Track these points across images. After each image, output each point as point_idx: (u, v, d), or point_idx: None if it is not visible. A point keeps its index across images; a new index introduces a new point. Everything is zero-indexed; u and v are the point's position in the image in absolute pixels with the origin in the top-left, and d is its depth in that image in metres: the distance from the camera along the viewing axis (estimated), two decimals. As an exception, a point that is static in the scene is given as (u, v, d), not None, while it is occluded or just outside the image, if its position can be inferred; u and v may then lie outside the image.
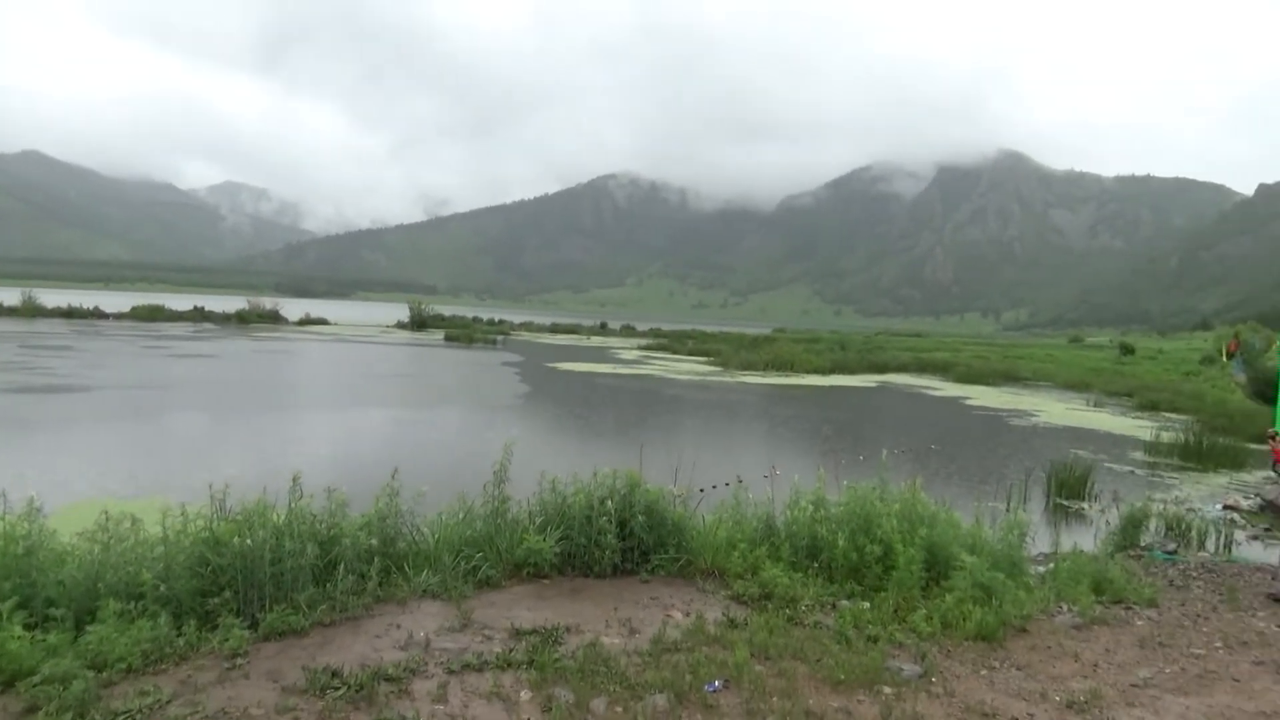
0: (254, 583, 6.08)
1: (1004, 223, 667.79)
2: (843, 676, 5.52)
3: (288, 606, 6.03)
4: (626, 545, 7.80)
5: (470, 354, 52.42)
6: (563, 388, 34.00)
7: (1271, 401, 13.08)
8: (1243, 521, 13.61)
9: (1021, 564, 8.28)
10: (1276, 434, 9.23)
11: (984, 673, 5.97)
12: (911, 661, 5.96)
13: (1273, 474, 9.13)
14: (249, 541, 6.08)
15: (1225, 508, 14.69)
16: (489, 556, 7.42)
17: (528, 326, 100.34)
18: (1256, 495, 14.33)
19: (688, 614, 6.74)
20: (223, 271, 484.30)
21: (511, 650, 5.74)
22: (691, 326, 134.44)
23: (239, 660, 5.37)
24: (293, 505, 6.70)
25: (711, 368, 48.61)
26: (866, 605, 7.04)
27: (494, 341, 66.75)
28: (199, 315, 74.39)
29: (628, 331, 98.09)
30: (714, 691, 5.22)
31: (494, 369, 41.58)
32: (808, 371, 48.01)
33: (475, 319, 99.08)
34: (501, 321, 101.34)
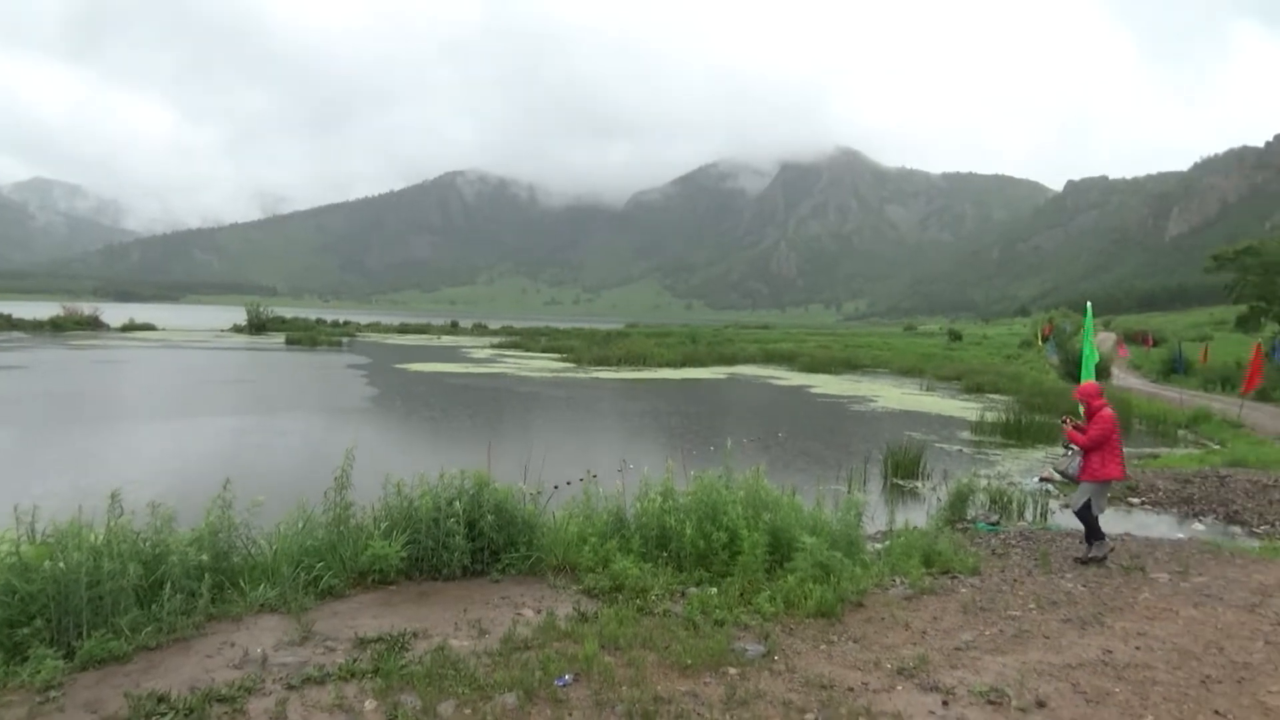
0: (69, 609, 5.65)
1: (843, 217, 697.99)
2: (690, 661, 5.66)
3: (107, 632, 5.63)
4: (476, 546, 7.71)
5: (314, 357, 50.40)
6: (412, 389, 33.19)
7: (1079, 380, 14.29)
8: (1056, 492, 14.79)
9: (858, 542, 8.72)
10: (1067, 419, 10.12)
11: (823, 647, 6.25)
12: (756, 641, 6.17)
13: (1063, 449, 10.02)
14: (62, 565, 5.65)
15: (1041, 480, 15.92)
16: (331, 565, 7.17)
17: (375, 327, 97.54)
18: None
19: (539, 611, 6.74)
20: (34, 275, 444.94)
21: (355, 660, 5.57)
22: (544, 324, 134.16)
23: (53, 693, 4.98)
24: (111, 524, 6.27)
25: (565, 364, 48.64)
26: (714, 590, 7.24)
27: (339, 344, 64.46)
28: (6, 323, 68.34)
29: (480, 330, 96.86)
30: (564, 686, 5.24)
31: (339, 372, 40.16)
32: (660, 365, 48.81)
33: (319, 321, 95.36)
34: (347, 323, 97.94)
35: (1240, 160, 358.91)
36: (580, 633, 6.13)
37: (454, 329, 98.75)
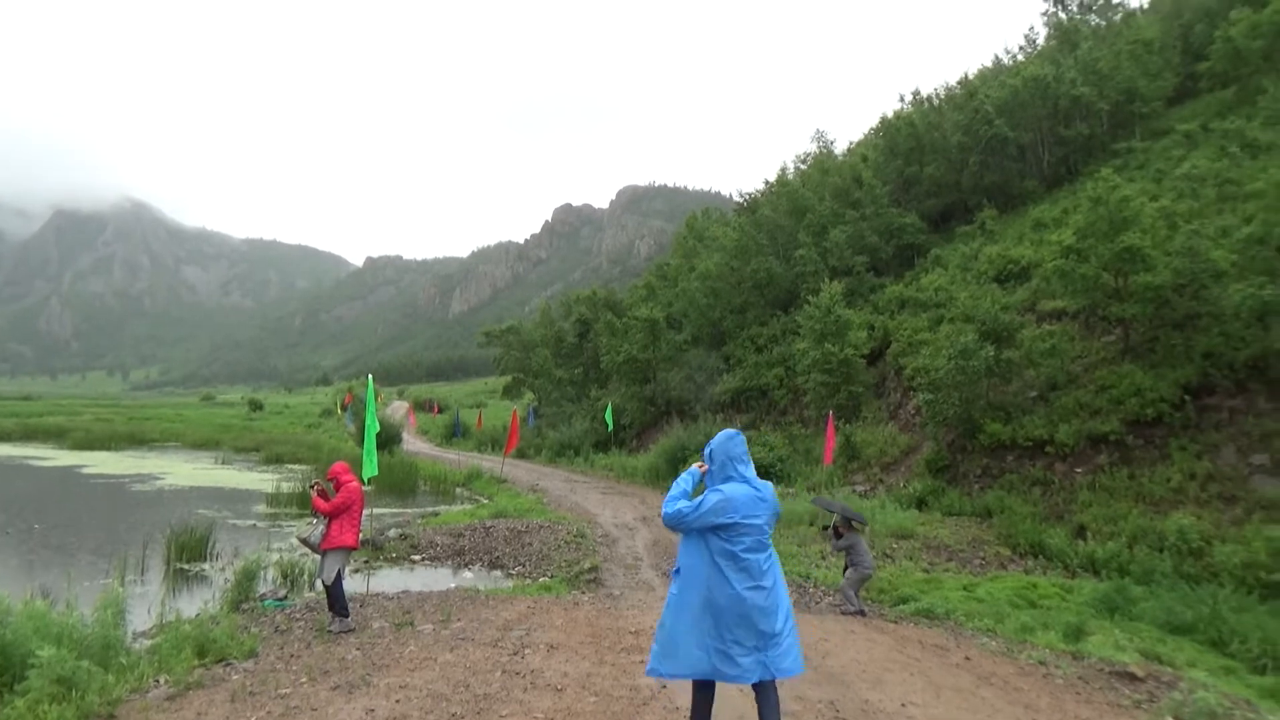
0: None
1: (132, 276, 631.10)
2: None
3: None
4: None
5: None
6: None
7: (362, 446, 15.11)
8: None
9: (116, 644, 7.79)
10: (317, 483, 10.44)
11: (53, 781, 5.36)
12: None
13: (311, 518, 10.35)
14: None
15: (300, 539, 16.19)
16: None
17: None
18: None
19: None
20: None
21: None
22: None
23: None
24: None
25: None
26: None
27: None
28: None
29: None
30: None
31: None
32: None
33: None
34: None
35: (506, 252, 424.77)
36: None
37: None
